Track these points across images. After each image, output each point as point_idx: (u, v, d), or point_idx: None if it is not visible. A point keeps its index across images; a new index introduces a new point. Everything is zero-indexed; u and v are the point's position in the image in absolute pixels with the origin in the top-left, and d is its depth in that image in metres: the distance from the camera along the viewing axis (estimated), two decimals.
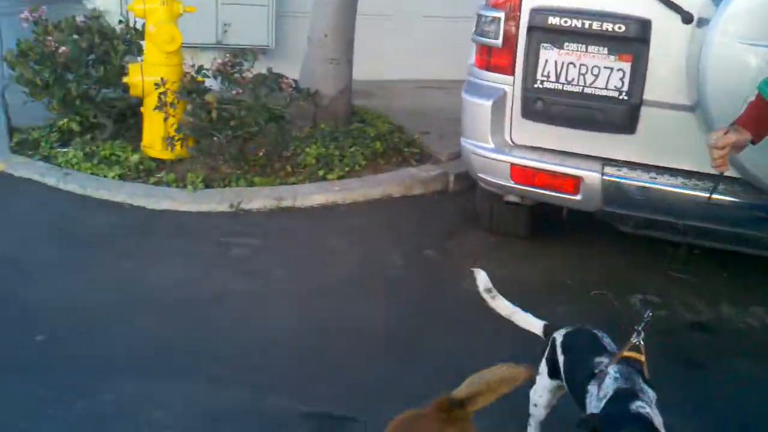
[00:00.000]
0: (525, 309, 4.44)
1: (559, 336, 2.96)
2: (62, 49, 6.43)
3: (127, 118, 6.98)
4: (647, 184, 4.29)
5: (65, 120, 6.79)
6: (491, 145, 4.66)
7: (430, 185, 6.23)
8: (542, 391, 3.00)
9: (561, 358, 2.87)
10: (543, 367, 2.98)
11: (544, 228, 5.37)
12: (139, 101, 6.50)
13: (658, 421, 2.37)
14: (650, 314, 2.80)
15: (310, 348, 4.06)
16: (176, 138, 6.03)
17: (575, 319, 4.32)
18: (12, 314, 4.23)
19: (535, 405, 3.05)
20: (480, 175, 4.83)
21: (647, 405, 2.40)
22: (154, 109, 6.09)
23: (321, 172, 6.18)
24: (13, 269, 4.74)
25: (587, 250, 5.24)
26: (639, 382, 2.51)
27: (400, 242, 5.31)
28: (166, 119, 6.08)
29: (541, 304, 4.56)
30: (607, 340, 2.84)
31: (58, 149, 6.53)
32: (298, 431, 3.43)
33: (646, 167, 4.33)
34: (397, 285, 4.77)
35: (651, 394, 2.51)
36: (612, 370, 2.57)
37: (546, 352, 3.00)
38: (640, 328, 2.70)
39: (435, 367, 3.91)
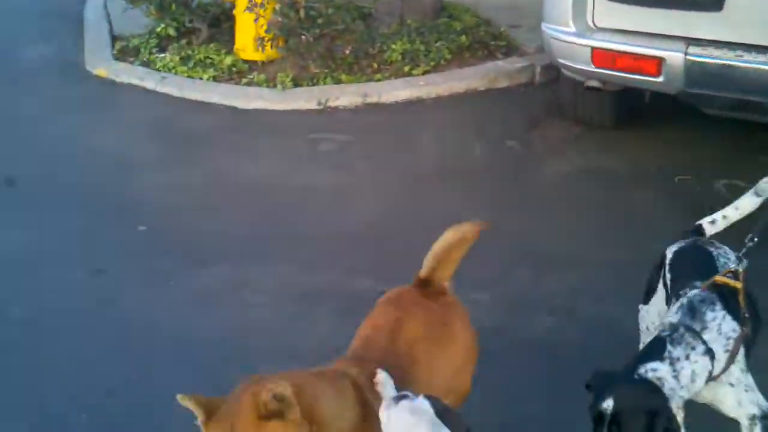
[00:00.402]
0: (606, 197, 4.52)
1: (669, 252, 2.63)
2: None
3: (221, 22, 7.16)
4: (733, 63, 4.17)
5: (162, 26, 7.04)
6: (572, 29, 4.60)
7: (516, 78, 6.20)
8: (655, 317, 2.67)
9: (668, 278, 2.57)
10: (660, 289, 2.65)
11: (628, 116, 5.29)
12: (232, 5, 6.68)
13: (677, 381, 2.13)
14: (754, 240, 2.50)
15: (395, 236, 4.25)
16: (266, 39, 6.20)
17: (655, 206, 4.42)
18: (117, 206, 4.60)
19: (647, 329, 2.77)
20: (560, 60, 4.79)
21: (678, 359, 2.14)
22: (245, 10, 6.26)
23: (406, 68, 6.24)
24: (118, 166, 5.11)
25: (671, 135, 5.15)
26: (707, 316, 2.25)
27: (484, 134, 5.37)
28: (256, 20, 6.23)
29: (624, 190, 4.62)
30: (724, 260, 2.49)
31: (157, 55, 6.82)
32: None
33: (732, 45, 4.20)
34: (480, 175, 4.88)
35: (717, 330, 2.22)
36: (684, 298, 2.34)
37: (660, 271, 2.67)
38: (741, 255, 2.46)
39: (517, 252, 4.04)
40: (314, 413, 1.88)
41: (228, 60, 6.50)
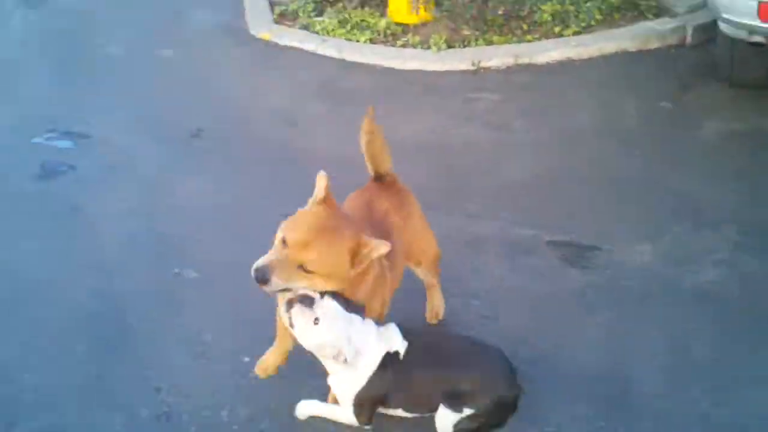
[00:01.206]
0: (764, 157, 4.59)
1: None
2: None
3: None
4: None
5: None
6: None
7: (667, 39, 6.26)
8: None
9: None
10: None
11: None
12: None
13: None
14: None
15: (552, 190, 4.50)
16: (420, 1, 6.49)
17: None
18: (289, 159, 5.03)
19: None
20: (724, 15, 4.82)
21: None
22: None
23: (556, 29, 6.40)
24: (287, 122, 5.56)
25: None
26: None
27: (636, 95, 5.50)
28: None
29: None
30: None
31: (315, 18, 7.24)
32: (545, 254, 3.92)
33: None
34: (634, 133, 5.03)
35: None
36: None
37: None
38: None
39: (671, 209, 4.22)
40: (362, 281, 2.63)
41: (382, 23, 6.84)
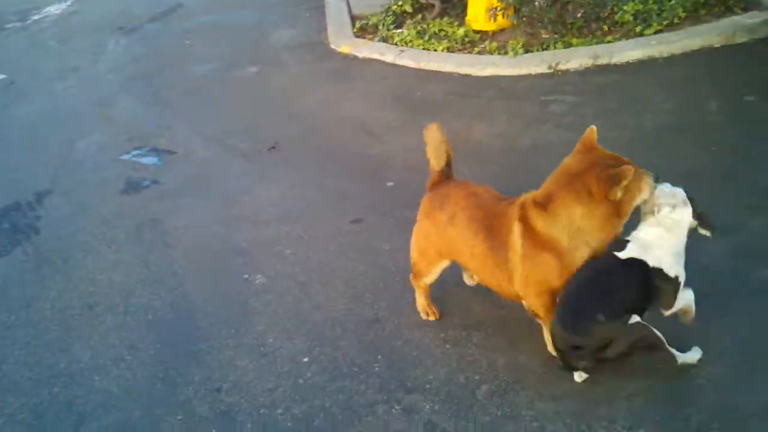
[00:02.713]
0: None
1: None
2: None
3: None
4: None
5: (399, 3, 7.53)
6: None
7: (756, 32, 5.95)
8: None
9: None
10: None
11: None
12: None
13: None
14: None
15: None
16: (499, 8, 6.45)
17: None
18: (367, 166, 5.09)
19: None
20: None
21: None
22: None
23: (638, 29, 6.21)
24: (365, 131, 5.62)
25: None
26: None
27: (720, 90, 5.26)
28: None
29: None
30: None
31: (394, 30, 7.31)
32: None
33: None
34: (715, 129, 4.81)
35: None
36: None
37: None
38: None
39: (748, 203, 4.01)
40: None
41: (460, 31, 6.83)
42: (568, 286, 2.83)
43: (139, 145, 5.91)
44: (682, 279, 2.89)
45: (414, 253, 3.45)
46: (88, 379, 3.49)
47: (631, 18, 6.32)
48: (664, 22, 6.21)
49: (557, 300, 2.87)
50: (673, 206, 2.94)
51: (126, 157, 5.75)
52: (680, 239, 2.93)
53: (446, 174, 3.39)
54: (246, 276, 4.07)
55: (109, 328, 3.81)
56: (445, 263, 3.38)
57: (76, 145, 6.14)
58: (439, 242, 3.28)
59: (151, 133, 6.12)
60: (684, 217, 2.96)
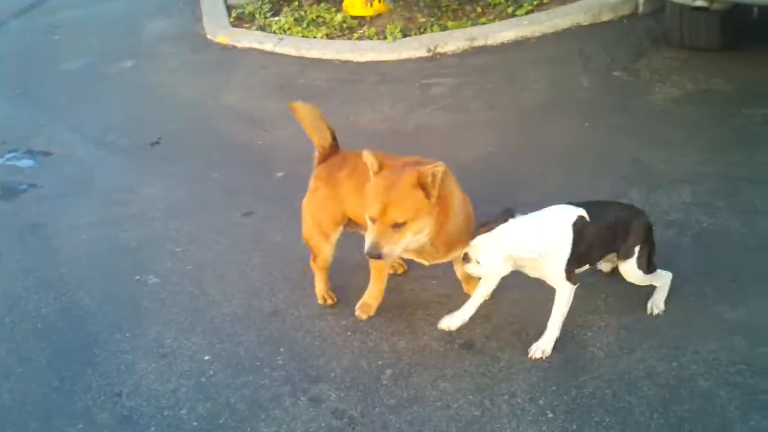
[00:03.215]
0: (716, 117, 4.58)
1: None
2: None
3: None
4: None
5: None
6: None
7: (619, 10, 6.27)
8: None
9: None
10: None
11: (734, 39, 5.32)
12: None
13: None
14: None
15: (507, 166, 4.52)
16: None
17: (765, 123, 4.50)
18: (254, 157, 5.05)
19: None
20: None
21: None
22: None
23: (510, 9, 6.42)
24: (249, 122, 5.57)
25: None
26: None
27: (590, 66, 5.52)
28: None
29: (735, 112, 4.71)
30: None
31: (271, 18, 7.26)
32: None
33: None
34: (587, 104, 5.06)
35: None
36: None
37: None
38: None
39: (625, 174, 4.23)
40: (447, 202, 2.91)
41: (338, 17, 6.86)
42: None
43: (13, 148, 5.64)
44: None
45: (306, 232, 3.47)
46: None
47: (503, 0, 6.52)
48: (535, 2, 6.45)
49: None
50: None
51: None
52: None
53: (335, 147, 3.43)
54: (137, 277, 3.97)
55: None
56: (339, 232, 3.40)
57: None
58: (337, 205, 3.32)
59: (25, 135, 5.84)
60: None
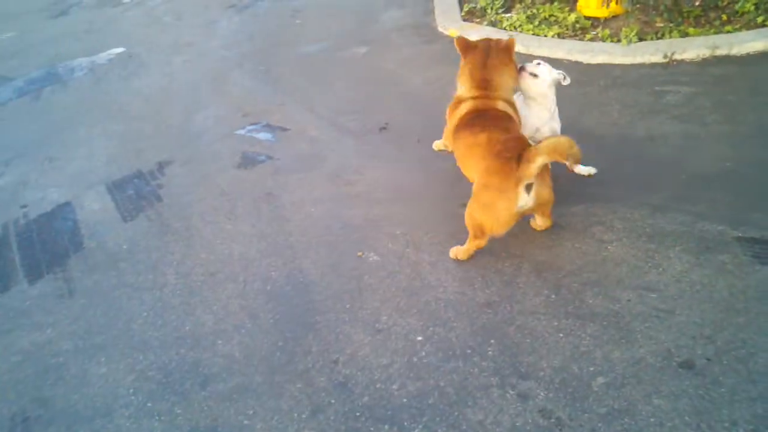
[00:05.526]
0: None
1: None
2: None
3: None
4: None
5: None
6: None
7: None
8: None
9: None
10: None
11: None
12: None
13: None
14: None
15: (746, 184, 4.26)
16: None
17: None
18: None
19: None
20: None
21: None
22: None
23: (760, 19, 6.02)
24: None
25: None
26: None
27: None
28: None
29: None
30: None
31: (503, 14, 7.29)
32: (734, 250, 3.74)
33: None
34: None
35: None
36: None
37: None
38: None
39: None
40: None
41: (571, 17, 6.76)
42: None
43: (254, 121, 6.10)
44: None
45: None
46: (212, 342, 3.68)
47: (752, 8, 6.13)
48: None
49: None
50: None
51: (241, 132, 5.95)
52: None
53: None
54: (360, 253, 4.19)
55: (230, 296, 4.00)
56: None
57: (194, 118, 6.39)
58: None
59: (265, 110, 6.30)
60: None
